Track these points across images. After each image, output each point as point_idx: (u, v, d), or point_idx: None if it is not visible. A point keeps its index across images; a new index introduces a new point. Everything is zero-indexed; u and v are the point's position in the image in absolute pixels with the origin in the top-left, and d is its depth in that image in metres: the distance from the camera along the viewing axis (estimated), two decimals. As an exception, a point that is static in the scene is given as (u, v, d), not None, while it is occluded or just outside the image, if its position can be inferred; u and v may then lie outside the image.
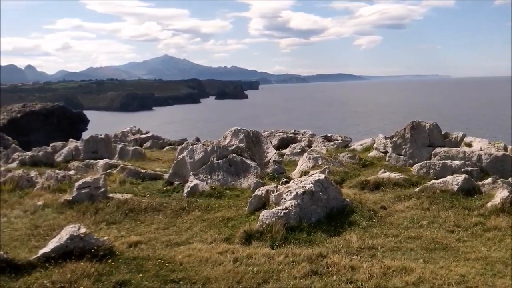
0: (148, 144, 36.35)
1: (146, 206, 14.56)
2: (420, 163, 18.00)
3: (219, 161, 17.75)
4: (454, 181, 14.93)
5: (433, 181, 15.59)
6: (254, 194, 14.23)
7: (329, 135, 32.00)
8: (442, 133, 20.53)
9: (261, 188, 14.53)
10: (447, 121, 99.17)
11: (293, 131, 34.62)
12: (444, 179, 15.31)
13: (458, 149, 18.97)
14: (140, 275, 9.22)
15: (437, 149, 19.23)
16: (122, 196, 15.63)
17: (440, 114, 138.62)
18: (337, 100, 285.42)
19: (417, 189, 15.39)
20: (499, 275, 9.12)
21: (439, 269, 9.41)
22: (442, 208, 13.69)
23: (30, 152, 27.67)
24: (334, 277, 9.09)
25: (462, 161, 17.40)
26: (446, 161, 17.50)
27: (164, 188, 17.18)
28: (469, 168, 16.84)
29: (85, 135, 37.19)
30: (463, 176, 15.09)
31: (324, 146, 27.97)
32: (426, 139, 20.00)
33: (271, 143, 21.91)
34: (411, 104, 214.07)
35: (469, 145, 20.25)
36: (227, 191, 16.23)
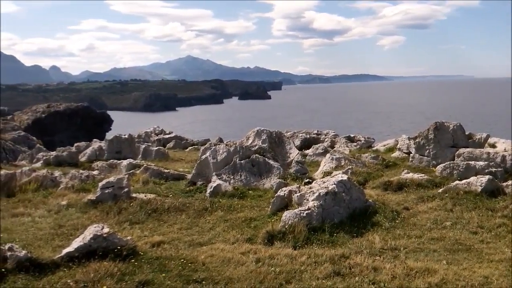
0: (171, 144, 36.55)
1: (169, 206, 14.60)
2: (444, 164, 17.90)
3: (242, 161, 17.77)
4: (478, 182, 14.82)
5: (457, 182, 15.49)
6: (276, 194, 14.23)
7: (352, 135, 31.94)
8: (466, 133, 20.41)
9: (284, 188, 14.53)
10: (471, 122, 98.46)
11: (316, 131, 34.58)
12: (467, 180, 15.20)
13: (482, 150, 18.84)
14: (163, 275, 9.26)
15: (461, 150, 19.12)
16: (145, 196, 15.71)
17: (463, 115, 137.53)
18: (360, 101, 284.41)
19: (440, 190, 15.30)
20: (523, 277, 9.04)
21: (463, 271, 9.33)
22: (466, 209, 13.59)
23: (54, 152, 27.94)
24: (357, 278, 9.06)
25: (486, 162, 17.27)
26: (470, 162, 17.38)
27: (187, 188, 17.23)
28: (493, 169, 16.72)
29: (109, 135, 37.49)
30: (487, 177, 14.97)
31: (347, 146, 27.94)
32: (449, 140, 19.89)
33: (293, 143, 21.92)
34: (434, 105, 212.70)
35: (493, 146, 20.13)
36: (250, 192, 16.24)
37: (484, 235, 11.73)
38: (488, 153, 18.19)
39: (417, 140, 20.74)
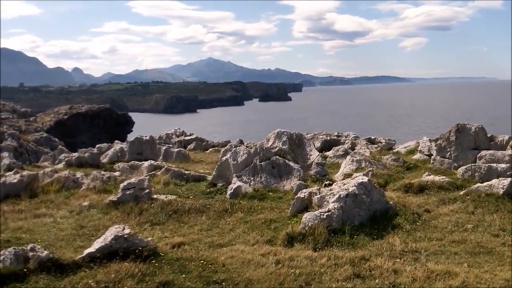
0: (192, 146, 36.61)
1: (189, 208, 14.63)
2: (465, 166, 17.76)
3: (262, 163, 17.76)
4: (500, 184, 14.69)
5: (478, 184, 15.38)
6: (296, 196, 14.21)
7: (372, 137, 31.83)
8: (488, 136, 20.26)
9: (304, 190, 14.52)
10: (493, 124, 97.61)
11: (336, 133, 34.50)
12: (489, 183, 15.08)
13: (504, 152, 18.69)
14: (183, 276, 9.30)
15: (483, 152, 18.99)
16: (166, 197, 15.74)
17: (486, 117, 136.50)
18: (381, 103, 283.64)
19: (461, 193, 15.20)
20: (545, 280, 8.96)
21: (484, 274, 9.29)
22: (487, 211, 13.49)
23: (76, 153, 28.10)
24: (377, 281, 9.05)
25: (508, 165, 17.13)
26: (492, 164, 17.25)
27: (208, 190, 17.25)
28: (515, 172, 16.59)
29: (130, 137, 37.63)
30: (509, 179, 14.83)
31: (368, 148, 27.83)
32: (471, 142, 19.76)
33: (314, 145, 21.87)
34: (456, 107, 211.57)
35: (515, 148, 19.95)
36: (270, 193, 16.23)
37: (506, 238, 11.64)
38: (510, 156, 18.06)
39: (438, 142, 20.62)
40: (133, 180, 15.97)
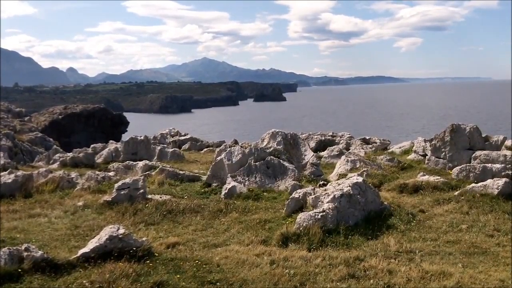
0: (186, 146, 36.62)
1: (184, 208, 14.62)
2: (460, 167, 17.79)
3: (257, 163, 17.75)
4: (494, 185, 14.72)
5: (473, 184, 15.40)
6: (291, 196, 14.20)
7: (367, 137, 31.81)
8: (483, 136, 20.28)
9: (299, 190, 14.50)
10: (488, 124, 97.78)
11: (331, 133, 34.50)
12: (484, 183, 15.11)
13: (498, 152, 18.71)
14: (178, 276, 9.29)
15: (477, 153, 19.01)
16: (160, 197, 15.73)
17: (480, 117, 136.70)
18: (376, 103, 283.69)
19: (456, 193, 15.22)
20: (539, 281, 8.97)
21: (478, 274, 9.30)
22: (482, 212, 13.52)
23: (71, 153, 28.10)
24: (371, 281, 9.05)
25: (502, 165, 17.15)
26: (486, 165, 17.27)
27: (202, 190, 17.25)
28: (510, 172, 16.59)
29: (125, 137, 37.61)
30: (504, 180, 14.87)
31: (362, 148, 27.83)
32: (466, 142, 19.78)
33: (308, 145, 21.86)
34: (451, 107, 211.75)
35: (510, 148, 19.98)
36: (265, 193, 16.23)
37: (501, 238, 11.66)
38: (505, 156, 18.07)
39: (433, 142, 20.65)
40: (127, 180, 15.96)
